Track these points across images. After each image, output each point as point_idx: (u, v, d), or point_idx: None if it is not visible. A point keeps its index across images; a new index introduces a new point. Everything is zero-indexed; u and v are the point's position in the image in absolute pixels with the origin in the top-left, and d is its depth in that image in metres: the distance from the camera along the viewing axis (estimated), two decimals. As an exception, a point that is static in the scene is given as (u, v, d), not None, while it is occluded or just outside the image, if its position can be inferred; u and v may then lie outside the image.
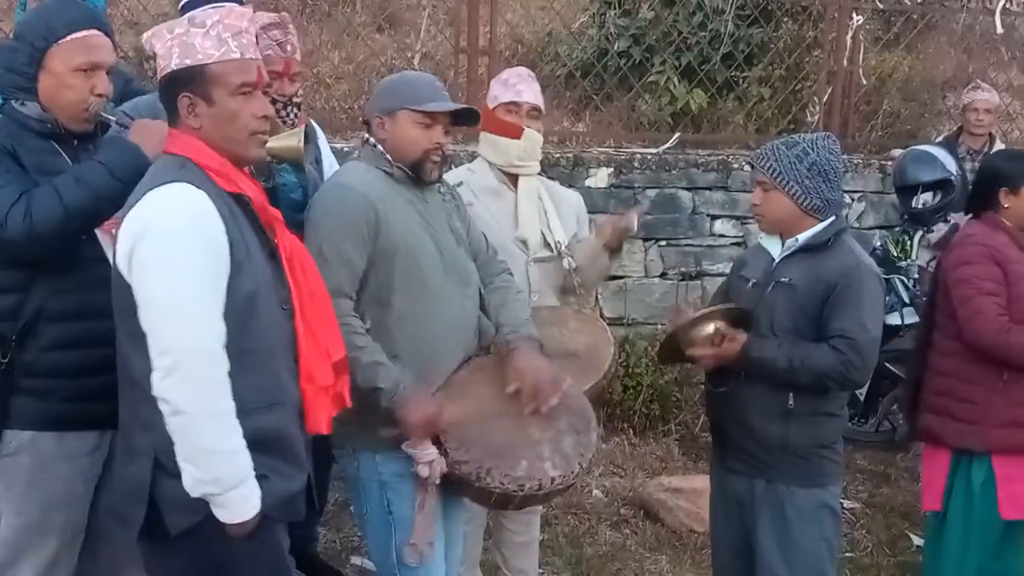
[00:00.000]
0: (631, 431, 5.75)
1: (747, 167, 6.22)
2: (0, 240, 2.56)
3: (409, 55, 7.05)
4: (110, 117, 2.72)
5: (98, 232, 2.67)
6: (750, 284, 3.33)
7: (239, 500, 2.28)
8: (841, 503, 3.80)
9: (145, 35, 2.45)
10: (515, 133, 3.60)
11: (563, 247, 3.68)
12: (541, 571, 4.23)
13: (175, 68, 2.37)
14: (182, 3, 3.40)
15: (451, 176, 3.51)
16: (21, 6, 3.99)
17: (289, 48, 3.49)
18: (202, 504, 2.26)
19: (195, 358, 2.22)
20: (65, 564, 2.75)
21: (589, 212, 4.05)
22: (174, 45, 2.37)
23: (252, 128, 2.43)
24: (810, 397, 3.19)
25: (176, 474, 2.26)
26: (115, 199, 2.58)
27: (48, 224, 2.51)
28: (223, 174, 2.38)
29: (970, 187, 5.66)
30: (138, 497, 2.30)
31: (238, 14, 2.44)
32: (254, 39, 2.47)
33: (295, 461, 2.46)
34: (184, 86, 2.37)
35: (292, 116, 3.53)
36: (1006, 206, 3.88)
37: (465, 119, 3.15)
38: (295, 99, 3.56)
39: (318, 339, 2.51)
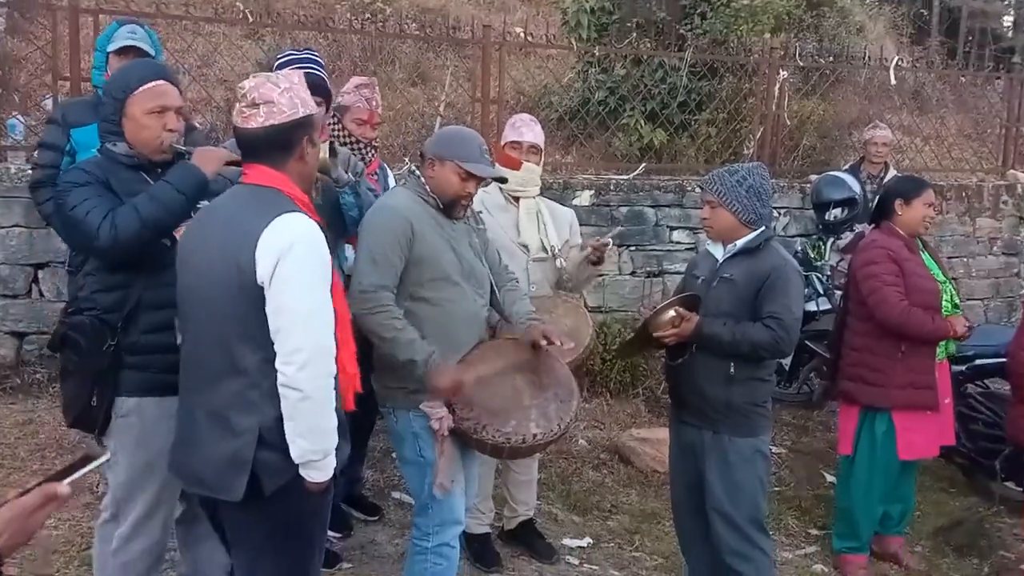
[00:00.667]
0: (608, 394, 5.72)
1: (698, 189, 6.17)
2: (93, 248, 2.55)
3: (436, 104, 7.02)
4: (183, 148, 2.68)
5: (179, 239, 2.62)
6: (700, 280, 3.32)
7: (328, 465, 2.25)
8: (770, 449, 3.78)
9: (250, 82, 2.29)
10: (515, 165, 3.61)
11: (556, 250, 3.67)
12: (539, 502, 4.20)
13: (303, 115, 2.30)
14: (278, 64, 3.35)
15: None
16: (98, 69, 3.77)
17: (374, 103, 3.63)
18: (291, 468, 2.21)
19: (323, 355, 2.19)
20: (167, 502, 2.73)
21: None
22: (294, 96, 2.28)
23: None
24: (747, 366, 3.16)
25: (275, 446, 2.20)
26: (181, 210, 2.55)
27: (128, 233, 2.49)
28: (306, 204, 2.32)
29: (871, 204, 5.66)
30: (240, 468, 2.21)
31: (300, 76, 2.40)
32: None
33: (345, 436, 2.40)
34: (306, 130, 2.31)
35: (370, 155, 3.60)
36: (899, 213, 3.92)
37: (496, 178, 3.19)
38: (374, 143, 3.65)
39: (348, 340, 2.44)
